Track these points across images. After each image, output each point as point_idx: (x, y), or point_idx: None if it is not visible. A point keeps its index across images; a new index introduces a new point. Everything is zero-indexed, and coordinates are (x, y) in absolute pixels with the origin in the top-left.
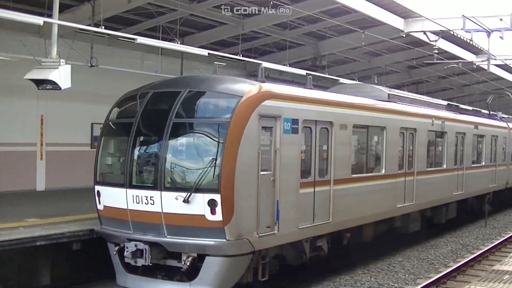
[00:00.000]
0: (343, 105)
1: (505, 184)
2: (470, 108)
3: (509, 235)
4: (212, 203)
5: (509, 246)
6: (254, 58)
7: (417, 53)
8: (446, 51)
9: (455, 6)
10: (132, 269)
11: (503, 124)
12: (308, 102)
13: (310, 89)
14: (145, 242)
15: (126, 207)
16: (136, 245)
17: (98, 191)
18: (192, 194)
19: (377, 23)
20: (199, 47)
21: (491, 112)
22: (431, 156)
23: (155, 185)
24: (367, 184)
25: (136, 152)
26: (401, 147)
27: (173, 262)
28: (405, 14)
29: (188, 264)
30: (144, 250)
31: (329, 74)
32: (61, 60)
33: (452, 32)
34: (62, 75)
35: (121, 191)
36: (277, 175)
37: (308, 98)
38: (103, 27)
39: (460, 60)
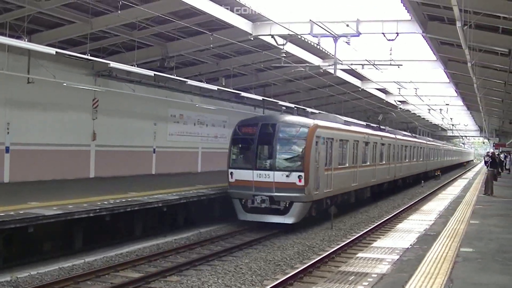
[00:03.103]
0: (336, 129)
1: (394, 176)
2: (375, 125)
3: (354, 237)
4: (299, 177)
5: (355, 247)
6: (102, 57)
7: (265, 56)
8: (294, 55)
9: (303, 11)
10: (247, 211)
11: (393, 135)
12: (327, 129)
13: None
14: (265, 196)
15: (252, 179)
16: (261, 197)
17: (231, 172)
18: (291, 173)
19: (226, 25)
20: (47, 45)
21: (380, 126)
22: (363, 156)
23: (271, 168)
24: (342, 171)
25: (259, 152)
26: (353, 151)
27: (275, 206)
28: (254, 17)
29: (285, 206)
30: (266, 199)
31: (177, 75)
32: None
33: (299, 37)
34: None
35: (249, 172)
36: (319, 165)
37: (327, 127)
38: None
39: (307, 64)
